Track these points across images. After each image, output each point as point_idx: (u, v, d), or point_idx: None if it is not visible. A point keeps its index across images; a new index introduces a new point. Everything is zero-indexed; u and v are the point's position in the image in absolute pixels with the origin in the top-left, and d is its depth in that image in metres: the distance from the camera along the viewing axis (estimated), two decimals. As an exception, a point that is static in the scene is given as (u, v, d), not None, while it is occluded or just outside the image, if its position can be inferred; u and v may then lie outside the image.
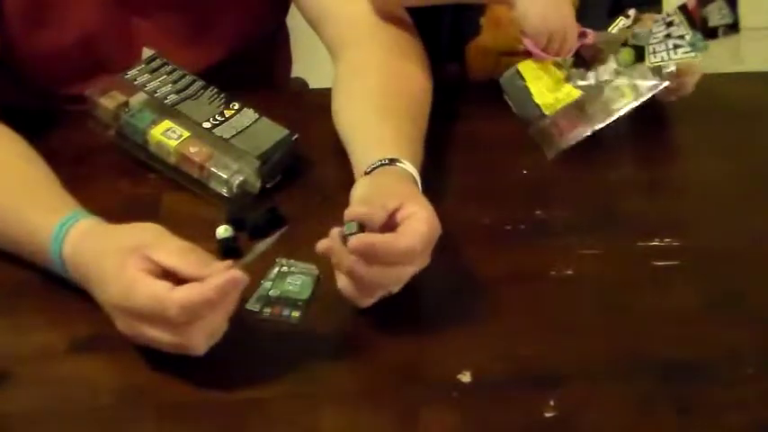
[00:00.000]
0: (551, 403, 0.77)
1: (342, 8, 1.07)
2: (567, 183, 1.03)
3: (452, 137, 1.08)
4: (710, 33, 1.03)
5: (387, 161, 0.88)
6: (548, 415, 0.76)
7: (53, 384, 0.79)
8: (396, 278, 0.81)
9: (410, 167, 0.89)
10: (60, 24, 1.06)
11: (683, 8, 1.03)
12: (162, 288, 0.74)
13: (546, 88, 1.04)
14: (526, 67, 1.05)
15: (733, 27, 1.03)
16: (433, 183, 0.92)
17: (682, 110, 1.10)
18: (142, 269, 0.76)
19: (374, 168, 0.88)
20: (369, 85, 1.01)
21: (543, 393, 0.78)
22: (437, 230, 0.82)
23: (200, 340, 0.76)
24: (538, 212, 0.98)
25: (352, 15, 1.06)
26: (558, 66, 1.05)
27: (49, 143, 0.97)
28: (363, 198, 0.84)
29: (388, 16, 1.07)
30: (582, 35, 1.05)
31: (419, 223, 0.80)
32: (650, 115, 1.09)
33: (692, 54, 1.02)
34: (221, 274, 0.74)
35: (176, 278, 0.76)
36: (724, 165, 1.06)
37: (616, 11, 1.17)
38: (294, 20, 1.26)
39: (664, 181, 1.04)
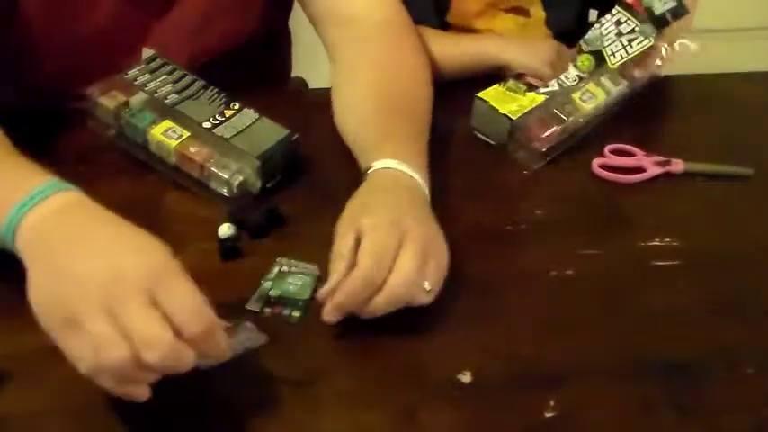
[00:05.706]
0: (551, 403, 0.77)
1: (342, 7, 1.07)
2: (568, 183, 1.03)
3: (453, 136, 1.08)
4: (660, 22, 1.05)
5: (364, 171, 0.90)
6: (548, 415, 0.76)
7: (53, 384, 0.78)
8: (396, 292, 0.80)
9: (389, 163, 0.89)
10: (73, 21, 1.06)
11: (621, 3, 1.06)
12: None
13: (508, 103, 1.06)
14: (486, 94, 1.07)
15: (679, 9, 1.06)
16: (434, 182, 0.92)
17: (682, 109, 1.10)
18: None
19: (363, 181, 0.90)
20: (361, 88, 1.01)
21: (543, 393, 0.78)
22: (383, 232, 0.80)
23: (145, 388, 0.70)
24: (538, 212, 0.98)
25: (351, 14, 1.07)
26: (515, 93, 1.07)
27: (49, 143, 0.97)
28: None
29: (388, 16, 1.07)
30: None
31: (367, 238, 0.80)
32: (650, 114, 1.09)
33: (647, 42, 1.05)
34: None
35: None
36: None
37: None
38: (294, 20, 1.26)
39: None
